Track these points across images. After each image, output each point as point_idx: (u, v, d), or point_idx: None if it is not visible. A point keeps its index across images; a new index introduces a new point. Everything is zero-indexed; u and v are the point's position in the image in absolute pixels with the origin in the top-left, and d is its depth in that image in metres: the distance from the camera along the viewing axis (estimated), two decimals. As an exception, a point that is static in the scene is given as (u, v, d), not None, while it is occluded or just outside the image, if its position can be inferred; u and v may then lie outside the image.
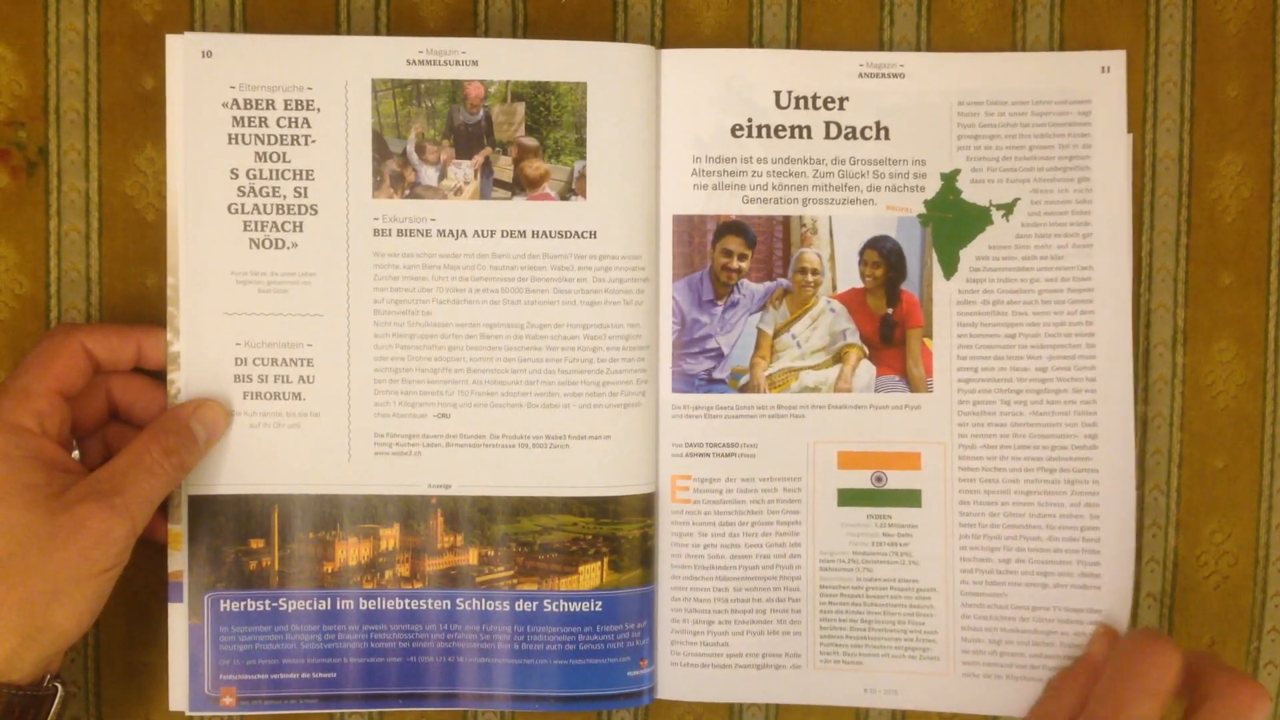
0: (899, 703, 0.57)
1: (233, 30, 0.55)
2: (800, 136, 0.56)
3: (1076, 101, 0.56)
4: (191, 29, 0.55)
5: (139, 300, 0.55)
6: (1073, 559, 0.56)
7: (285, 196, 0.54)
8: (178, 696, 0.55)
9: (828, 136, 0.56)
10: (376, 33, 0.56)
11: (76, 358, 0.51)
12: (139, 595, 0.55)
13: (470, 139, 0.54)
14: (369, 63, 0.54)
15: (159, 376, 0.54)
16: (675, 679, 0.56)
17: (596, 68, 0.54)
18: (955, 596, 0.57)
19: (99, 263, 0.55)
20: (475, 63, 0.54)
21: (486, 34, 0.56)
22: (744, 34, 0.57)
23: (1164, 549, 0.58)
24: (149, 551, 0.55)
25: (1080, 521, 0.56)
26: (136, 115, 0.55)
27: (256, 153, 0.54)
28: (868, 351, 0.57)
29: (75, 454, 0.53)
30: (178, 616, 0.55)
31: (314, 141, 0.54)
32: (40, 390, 0.49)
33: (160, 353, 0.53)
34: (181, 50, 0.53)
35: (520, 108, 0.54)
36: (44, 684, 0.49)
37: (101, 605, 0.49)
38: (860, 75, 0.56)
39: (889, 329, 0.57)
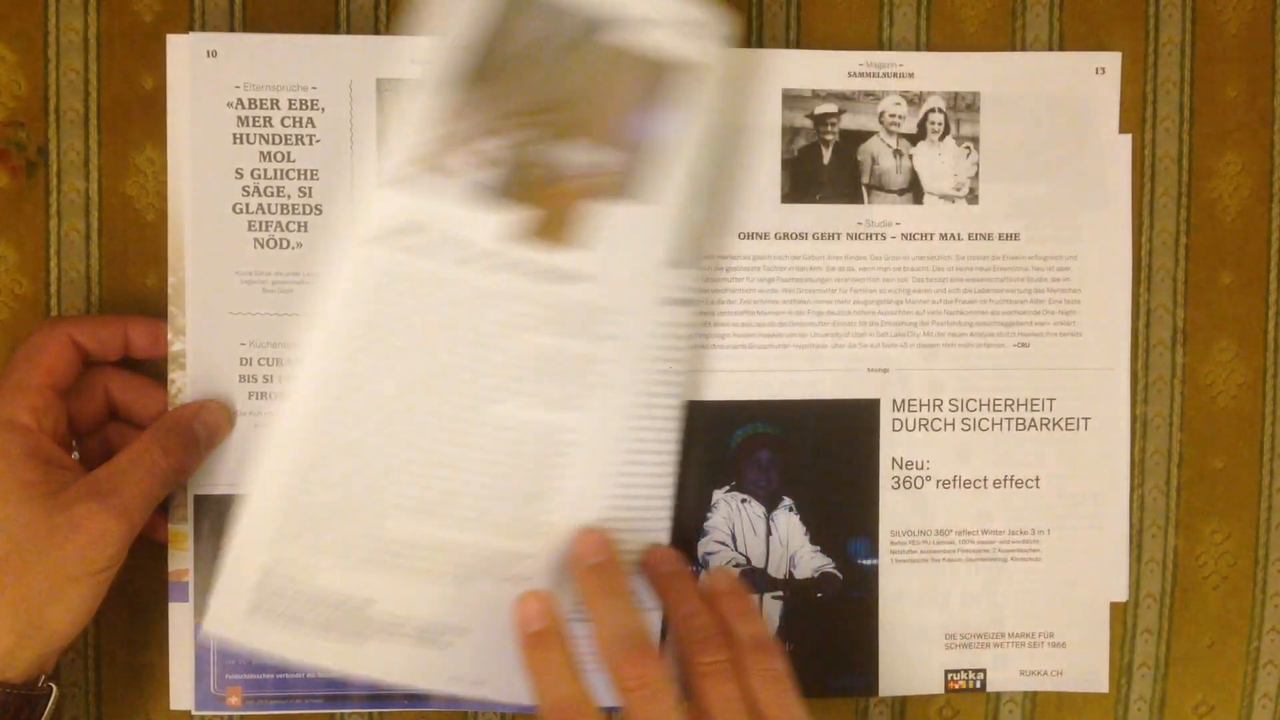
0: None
1: (232, 30, 0.55)
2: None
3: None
4: (191, 29, 0.55)
5: (139, 300, 0.55)
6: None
7: (290, 196, 0.54)
8: (182, 696, 0.55)
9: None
10: (376, 32, 0.56)
11: (65, 350, 0.50)
12: (139, 595, 0.55)
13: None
14: (374, 62, 0.54)
15: (159, 375, 0.54)
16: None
17: None
18: None
19: (99, 263, 0.55)
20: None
21: (487, 34, 0.56)
22: (744, 34, 0.57)
23: (1164, 549, 0.58)
24: (149, 551, 0.55)
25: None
26: (136, 115, 0.55)
27: (261, 152, 0.54)
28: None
29: (75, 454, 0.53)
30: (182, 616, 0.54)
31: (318, 141, 0.54)
32: (33, 385, 0.49)
33: (148, 341, 0.53)
34: (185, 50, 0.53)
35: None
36: (39, 684, 0.48)
37: (97, 605, 0.48)
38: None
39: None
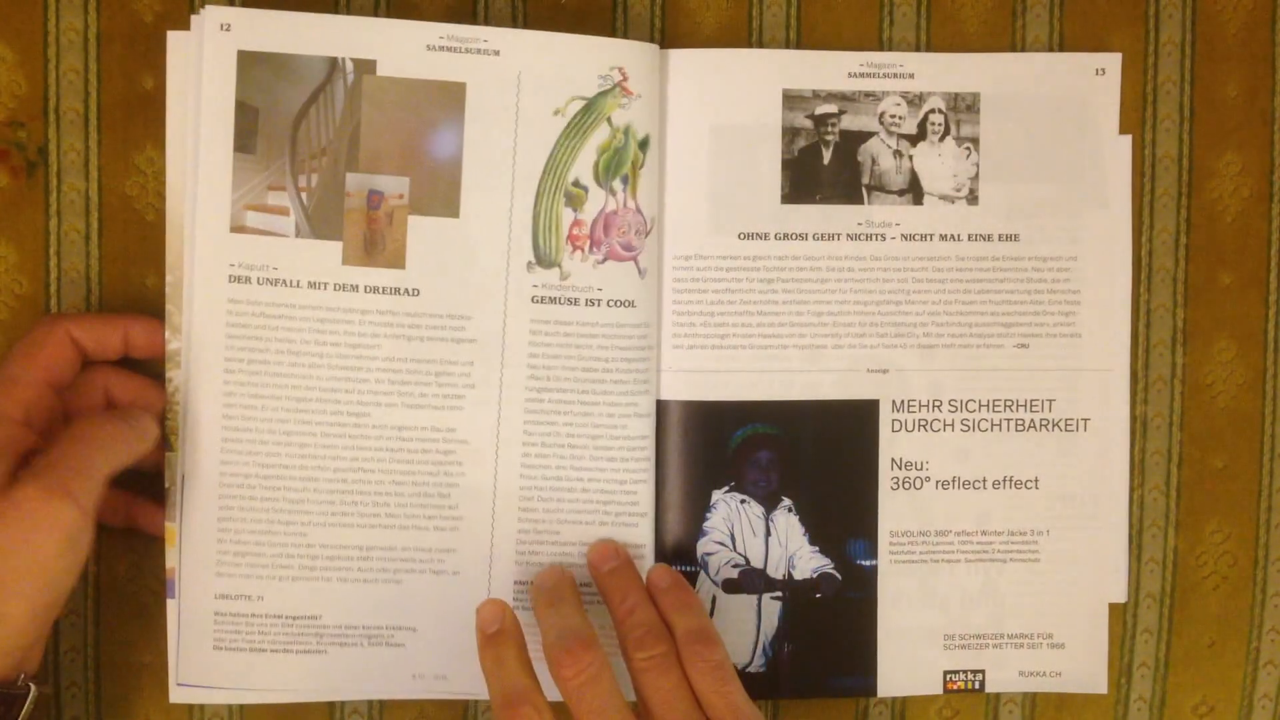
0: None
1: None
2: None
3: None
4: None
5: (139, 300, 0.55)
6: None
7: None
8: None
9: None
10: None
11: (63, 347, 0.50)
12: (139, 595, 0.55)
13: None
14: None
15: (159, 375, 0.54)
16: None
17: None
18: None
19: (99, 263, 0.55)
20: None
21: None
22: (744, 34, 0.57)
23: (1164, 549, 0.58)
24: (148, 551, 0.55)
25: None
26: (136, 115, 0.55)
27: None
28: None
29: None
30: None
31: None
32: (27, 380, 0.49)
33: (147, 341, 0.53)
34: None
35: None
36: (17, 683, 0.47)
37: (62, 596, 0.47)
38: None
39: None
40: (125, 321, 0.52)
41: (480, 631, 0.49)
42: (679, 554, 0.56)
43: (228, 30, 0.52)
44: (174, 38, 0.54)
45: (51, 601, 0.47)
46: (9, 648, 0.46)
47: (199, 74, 0.53)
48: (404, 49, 0.53)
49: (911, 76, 0.56)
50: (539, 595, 0.51)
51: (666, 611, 0.51)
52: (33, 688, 0.48)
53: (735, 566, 0.57)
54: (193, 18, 0.53)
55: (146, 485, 0.54)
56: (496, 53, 0.53)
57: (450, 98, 0.53)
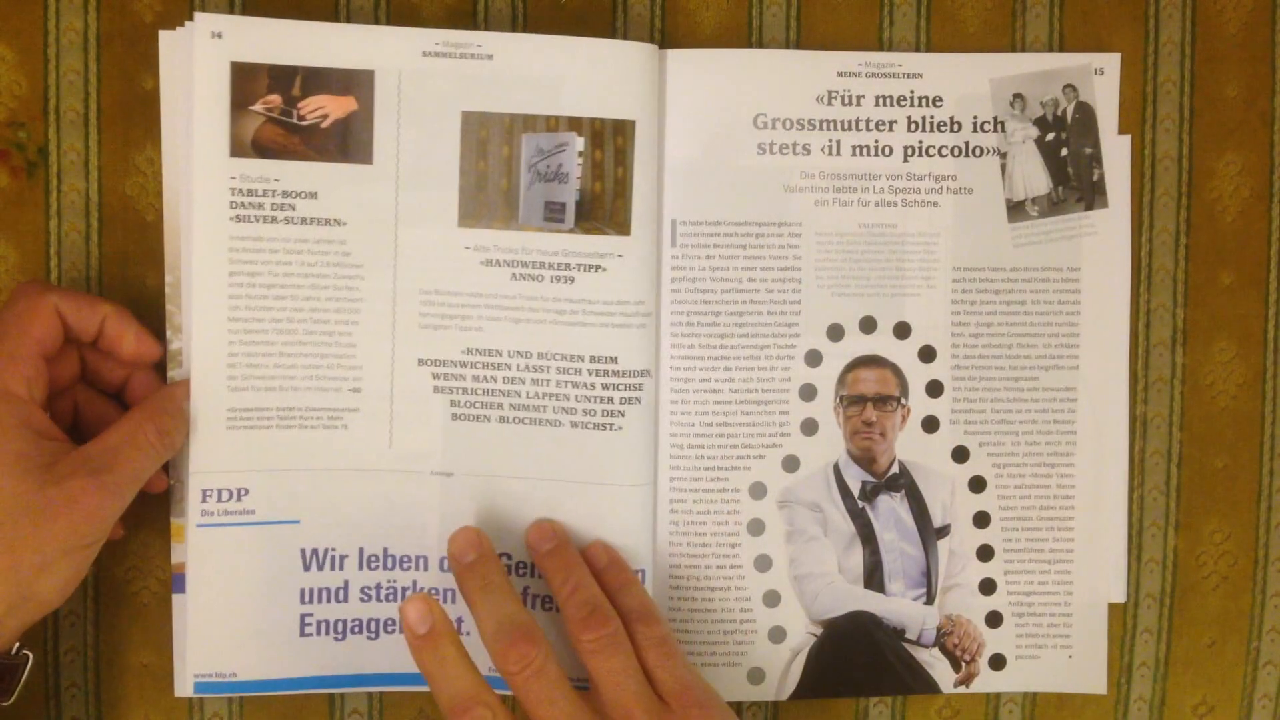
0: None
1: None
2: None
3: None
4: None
5: (139, 300, 0.55)
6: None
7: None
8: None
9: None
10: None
11: (51, 319, 0.50)
12: (139, 595, 0.55)
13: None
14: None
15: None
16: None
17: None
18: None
19: (99, 263, 0.55)
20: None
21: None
22: (744, 34, 0.57)
23: (1164, 549, 0.58)
24: (148, 552, 0.55)
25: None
26: (136, 115, 0.55)
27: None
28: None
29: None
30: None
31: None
32: (25, 354, 0.49)
33: (117, 333, 0.52)
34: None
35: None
36: (15, 653, 0.49)
37: (83, 576, 0.49)
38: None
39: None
40: (104, 308, 0.51)
41: (410, 631, 0.48)
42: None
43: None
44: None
45: (76, 582, 0.49)
46: (31, 623, 0.48)
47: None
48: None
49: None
50: (465, 576, 0.51)
51: (609, 590, 0.52)
52: (29, 656, 0.50)
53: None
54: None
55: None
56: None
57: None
